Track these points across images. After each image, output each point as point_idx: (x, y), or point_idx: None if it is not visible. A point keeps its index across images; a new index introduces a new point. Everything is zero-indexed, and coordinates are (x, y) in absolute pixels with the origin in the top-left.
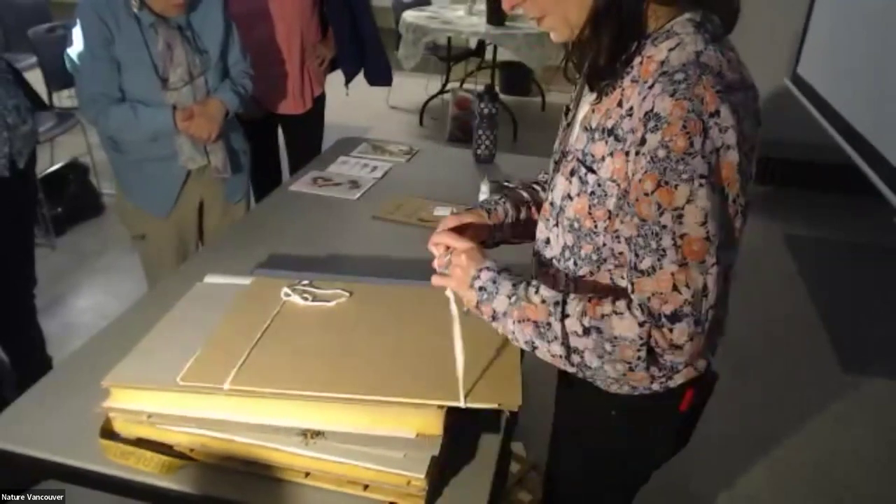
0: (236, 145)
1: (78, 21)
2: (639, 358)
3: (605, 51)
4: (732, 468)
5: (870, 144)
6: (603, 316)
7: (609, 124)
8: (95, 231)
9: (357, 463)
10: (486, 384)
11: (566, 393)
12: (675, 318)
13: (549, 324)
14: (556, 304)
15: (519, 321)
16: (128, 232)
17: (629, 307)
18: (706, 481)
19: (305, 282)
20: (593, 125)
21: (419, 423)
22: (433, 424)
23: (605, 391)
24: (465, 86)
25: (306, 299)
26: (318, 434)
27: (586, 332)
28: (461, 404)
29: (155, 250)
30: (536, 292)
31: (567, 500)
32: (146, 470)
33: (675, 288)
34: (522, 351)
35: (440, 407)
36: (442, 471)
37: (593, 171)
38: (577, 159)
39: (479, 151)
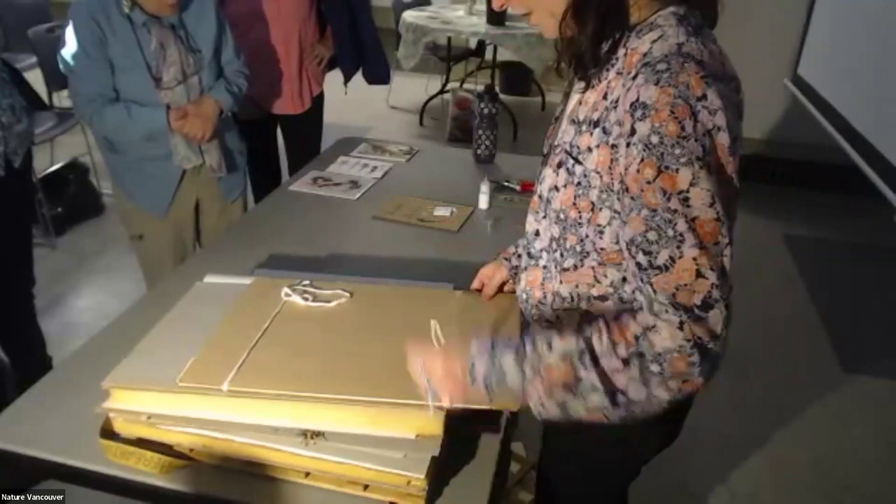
0: (231, 144)
1: (71, 22)
2: (692, 364)
3: (588, 40)
4: (732, 468)
5: (870, 144)
6: (637, 338)
7: (595, 116)
8: (95, 231)
9: (357, 463)
10: None
11: None
12: (706, 306)
13: (579, 378)
14: (581, 353)
15: (546, 391)
16: (126, 232)
17: (657, 317)
18: (706, 481)
19: (306, 282)
20: (580, 118)
21: (420, 424)
22: (434, 426)
23: None
24: (465, 86)
25: (306, 299)
26: (318, 434)
27: (626, 363)
28: (460, 405)
29: (153, 250)
30: (550, 349)
31: (560, 498)
32: (146, 470)
33: (699, 274)
34: None
35: (440, 408)
36: (442, 471)
37: (580, 163)
38: (565, 151)
39: (479, 151)
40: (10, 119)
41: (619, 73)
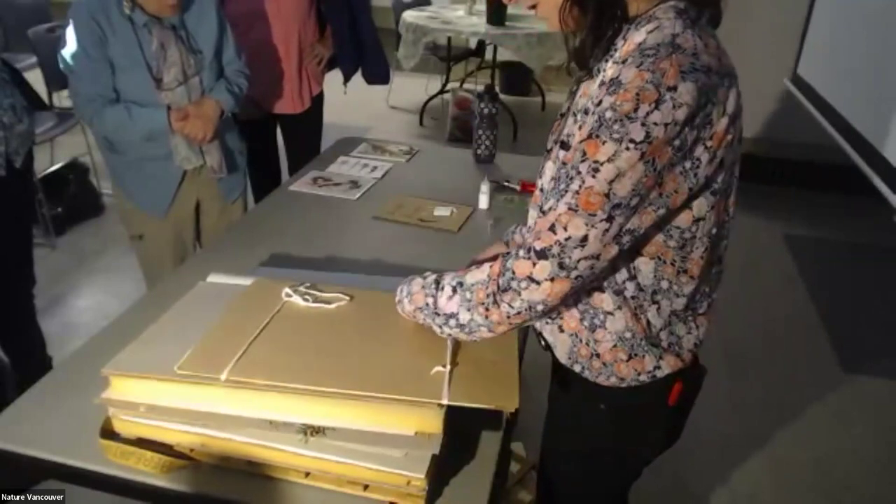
0: (232, 144)
1: (71, 22)
2: (487, 295)
3: (587, 33)
4: (732, 468)
5: (870, 144)
6: (468, 273)
7: (589, 105)
8: (95, 231)
9: (357, 462)
10: (484, 385)
11: (558, 390)
12: (541, 254)
13: (426, 304)
14: (432, 283)
15: (413, 313)
16: (126, 232)
17: (490, 265)
18: (706, 481)
19: (307, 283)
20: (579, 108)
21: (419, 421)
22: (433, 423)
23: (594, 384)
24: (465, 86)
25: (307, 300)
26: (317, 431)
27: (454, 290)
28: (458, 403)
29: (153, 250)
30: (423, 279)
31: (561, 498)
32: (146, 470)
33: (552, 228)
34: (520, 353)
35: (440, 406)
36: (442, 470)
37: (568, 149)
38: (561, 142)
39: (479, 151)
40: (11, 119)
41: (615, 63)
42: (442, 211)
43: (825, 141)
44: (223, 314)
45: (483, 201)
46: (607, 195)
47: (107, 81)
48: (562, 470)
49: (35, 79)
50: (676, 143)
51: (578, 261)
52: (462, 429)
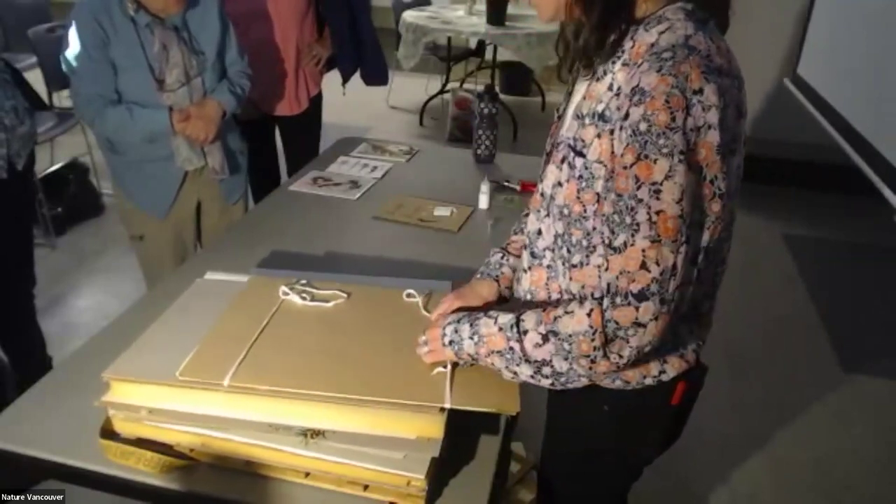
0: (234, 146)
1: (73, 23)
2: (595, 348)
3: (592, 29)
4: (733, 468)
5: (870, 144)
6: (556, 318)
7: (600, 108)
8: (95, 231)
9: (357, 463)
10: (486, 387)
11: (558, 390)
12: (641, 296)
13: (511, 348)
14: (512, 326)
15: (486, 356)
16: (126, 232)
17: (580, 304)
18: (706, 481)
19: (304, 281)
20: (584, 111)
21: (421, 426)
22: (435, 428)
23: (598, 386)
24: (465, 86)
25: (304, 299)
26: (318, 434)
27: (545, 338)
28: (460, 407)
29: (154, 251)
30: (494, 322)
31: (561, 499)
32: (146, 470)
33: (643, 265)
34: None
35: (441, 410)
36: (442, 471)
37: (582, 155)
38: (568, 146)
39: (479, 151)
40: (13, 121)
41: (625, 65)
42: (442, 211)
43: (825, 141)
44: (221, 315)
45: (483, 201)
46: (681, 216)
47: (108, 82)
48: (562, 470)
49: (35, 79)
50: (717, 146)
51: (674, 292)
52: (461, 429)
